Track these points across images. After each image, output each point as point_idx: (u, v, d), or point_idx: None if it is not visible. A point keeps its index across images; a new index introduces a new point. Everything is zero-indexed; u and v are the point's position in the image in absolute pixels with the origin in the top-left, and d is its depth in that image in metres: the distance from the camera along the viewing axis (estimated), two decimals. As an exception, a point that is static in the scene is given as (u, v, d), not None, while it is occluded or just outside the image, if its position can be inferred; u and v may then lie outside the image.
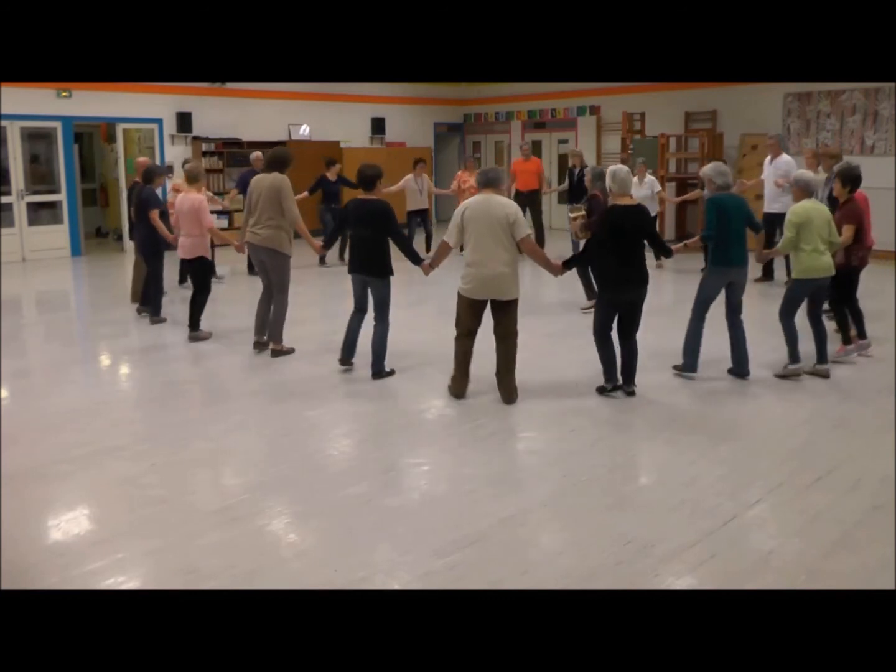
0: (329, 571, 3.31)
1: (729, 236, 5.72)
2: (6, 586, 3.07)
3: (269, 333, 6.80)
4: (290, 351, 6.80)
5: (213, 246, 9.10)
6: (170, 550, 3.51)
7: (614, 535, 3.61)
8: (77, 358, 6.97)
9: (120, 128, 13.50)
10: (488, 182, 5.42)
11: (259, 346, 6.90)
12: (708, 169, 6.04)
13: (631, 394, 5.58)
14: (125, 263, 12.70)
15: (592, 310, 7.16)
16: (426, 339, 7.16)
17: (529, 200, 11.83)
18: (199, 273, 7.38)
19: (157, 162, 13.81)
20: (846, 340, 6.47)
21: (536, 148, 15.79)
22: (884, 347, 6.70)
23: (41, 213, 13.06)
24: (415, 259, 6.05)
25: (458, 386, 5.58)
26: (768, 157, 9.64)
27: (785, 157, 9.40)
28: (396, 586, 3.22)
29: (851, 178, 6.26)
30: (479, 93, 17.46)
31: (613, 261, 5.40)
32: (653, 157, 13.11)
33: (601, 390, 5.63)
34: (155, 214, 7.80)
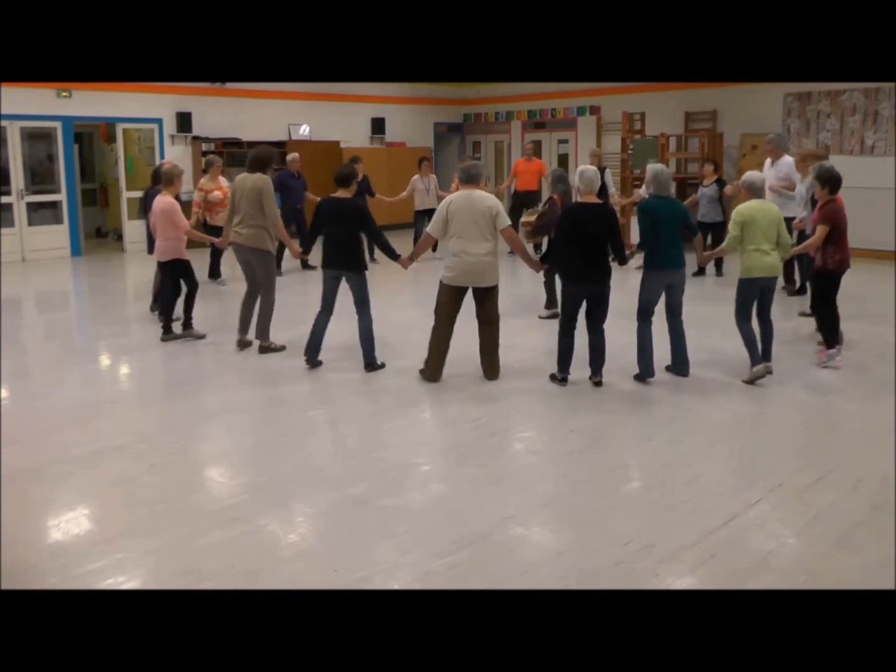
0: (329, 571, 3.31)
1: (662, 241, 5.69)
2: (6, 586, 3.06)
3: (257, 331, 6.69)
4: (281, 348, 6.69)
5: (218, 251, 9.09)
6: (170, 550, 3.51)
7: (614, 535, 3.61)
8: (77, 358, 6.97)
9: (120, 128, 13.49)
10: (469, 178, 5.74)
11: (242, 344, 6.79)
12: (648, 171, 5.98)
13: (598, 384, 5.71)
14: (125, 263, 12.72)
15: (550, 318, 7.47)
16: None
17: (527, 200, 11.85)
18: (177, 275, 7.11)
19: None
20: (829, 344, 6.20)
21: (536, 148, 15.73)
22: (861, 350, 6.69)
23: (41, 213, 13.06)
24: (392, 254, 6.14)
25: (435, 370, 5.83)
26: (768, 160, 8.96)
27: (786, 158, 8.64)
28: (396, 586, 3.22)
29: (830, 180, 6.07)
30: (478, 93, 17.46)
31: (576, 256, 5.56)
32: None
33: (552, 378, 5.84)
34: None
